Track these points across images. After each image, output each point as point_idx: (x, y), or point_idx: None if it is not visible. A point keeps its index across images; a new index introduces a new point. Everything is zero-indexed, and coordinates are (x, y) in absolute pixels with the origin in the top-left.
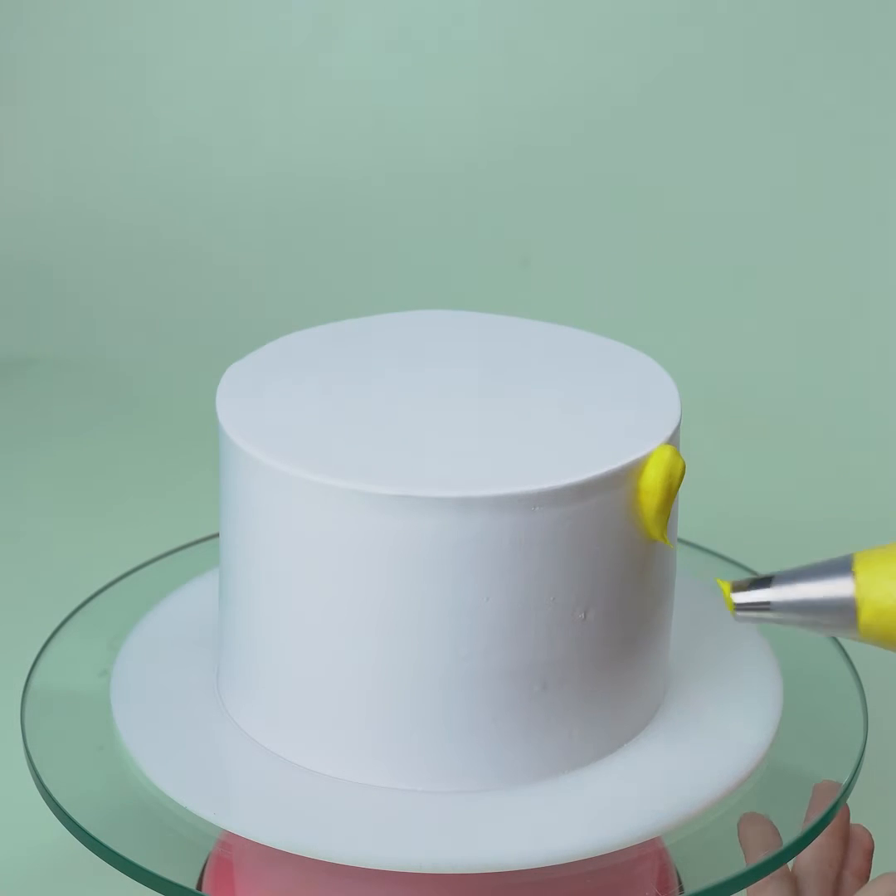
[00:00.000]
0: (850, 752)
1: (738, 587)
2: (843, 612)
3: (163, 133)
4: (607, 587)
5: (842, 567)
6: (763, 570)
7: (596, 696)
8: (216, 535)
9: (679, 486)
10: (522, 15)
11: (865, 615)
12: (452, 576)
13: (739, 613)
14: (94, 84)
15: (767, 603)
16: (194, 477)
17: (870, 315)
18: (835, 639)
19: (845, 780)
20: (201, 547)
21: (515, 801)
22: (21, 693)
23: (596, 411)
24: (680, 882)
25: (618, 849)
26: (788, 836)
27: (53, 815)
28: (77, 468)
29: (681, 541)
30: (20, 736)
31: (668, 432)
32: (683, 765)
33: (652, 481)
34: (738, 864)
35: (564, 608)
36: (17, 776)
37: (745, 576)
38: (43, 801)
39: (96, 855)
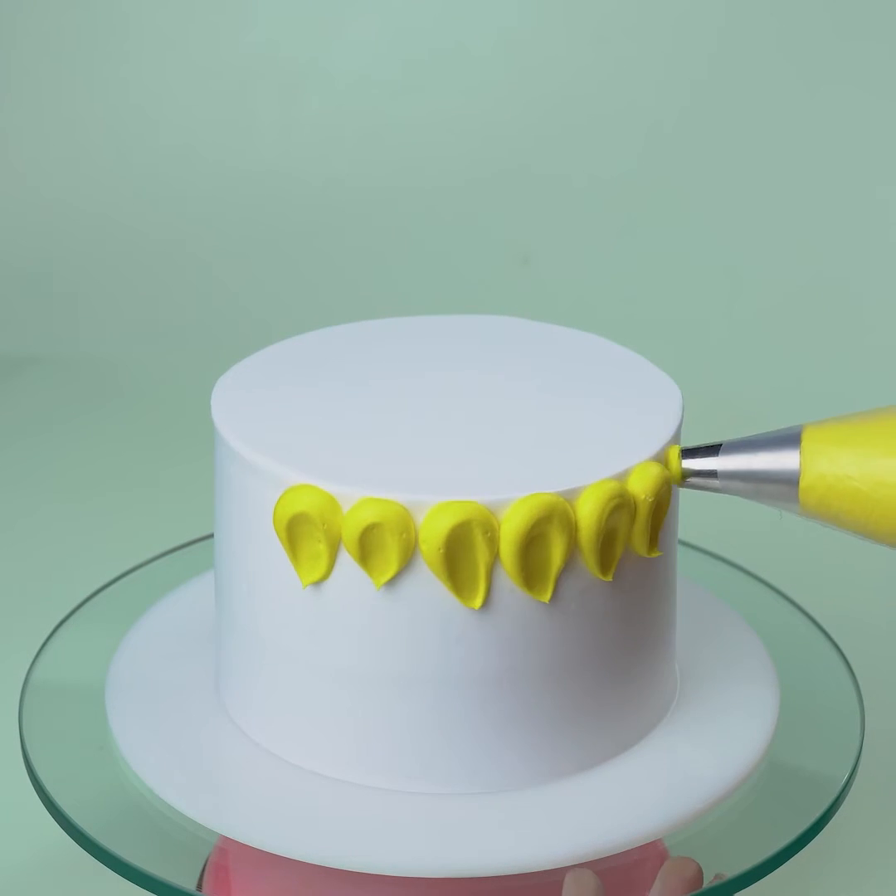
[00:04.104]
0: (848, 752)
1: (686, 454)
2: (786, 482)
3: (162, 135)
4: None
5: (790, 437)
6: (765, 573)
7: (596, 702)
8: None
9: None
10: (524, 14)
11: (805, 482)
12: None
13: (687, 480)
14: (93, 85)
15: (714, 471)
16: (193, 477)
17: (872, 315)
18: (835, 644)
19: (843, 779)
20: (200, 546)
21: (515, 805)
22: (20, 692)
23: (594, 421)
24: None
25: (618, 852)
26: (788, 836)
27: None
28: (76, 468)
29: (682, 543)
30: (18, 736)
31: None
32: (682, 767)
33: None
34: (738, 865)
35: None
36: (16, 777)
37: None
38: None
39: (94, 857)
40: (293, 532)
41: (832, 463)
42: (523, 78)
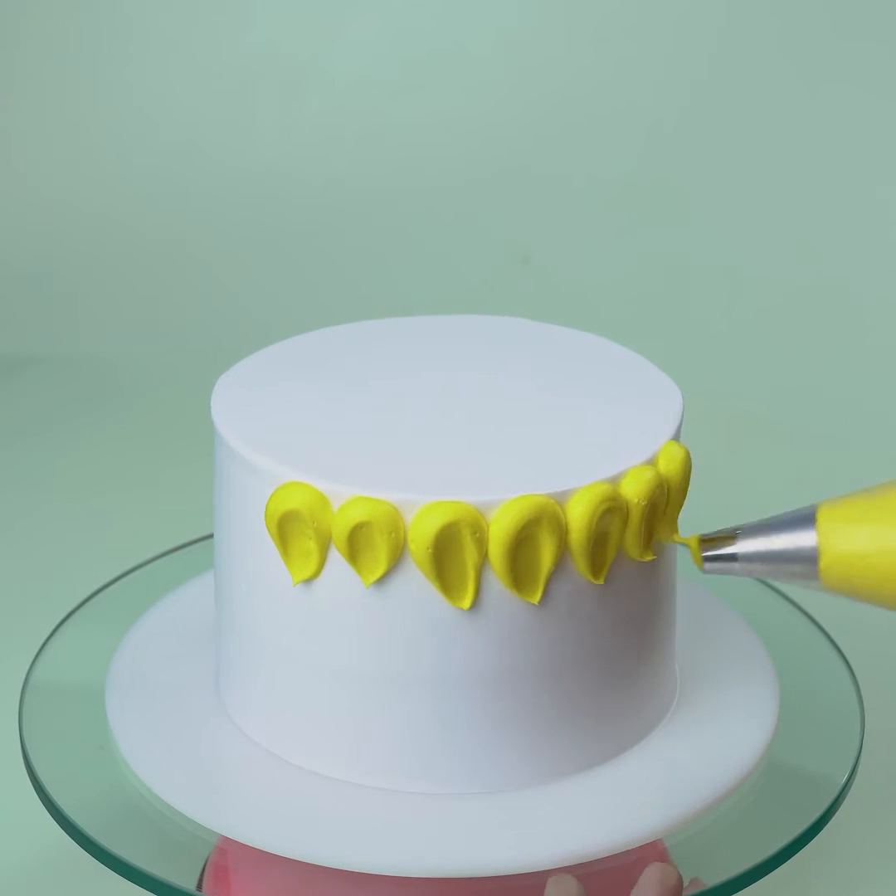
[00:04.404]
0: (847, 752)
1: (705, 541)
2: (805, 562)
3: (162, 135)
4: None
5: (805, 518)
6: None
7: (593, 703)
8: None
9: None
10: (524, 14)
11: (825, 562)
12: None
13: (707, 566)
14: (93, 85)
15: (734, 555)
16: (193, 477)
17: (873, 316)
18: (834, 644)
19: (843, 779)
20: (200, 546)
21: (514, 805)
22: (20, 693)
23: (593, 422)
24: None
25: (618, 852)
26: (788, 835)
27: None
28: (76, 468)
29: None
30: (18, 736)
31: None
32: (682, 768)
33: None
34: (738, 865)
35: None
36: (16, 777)
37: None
38: (41, 802)
39: (94, 857)
40: (284, 529)
41: (849, 541)
42: (523, 78)
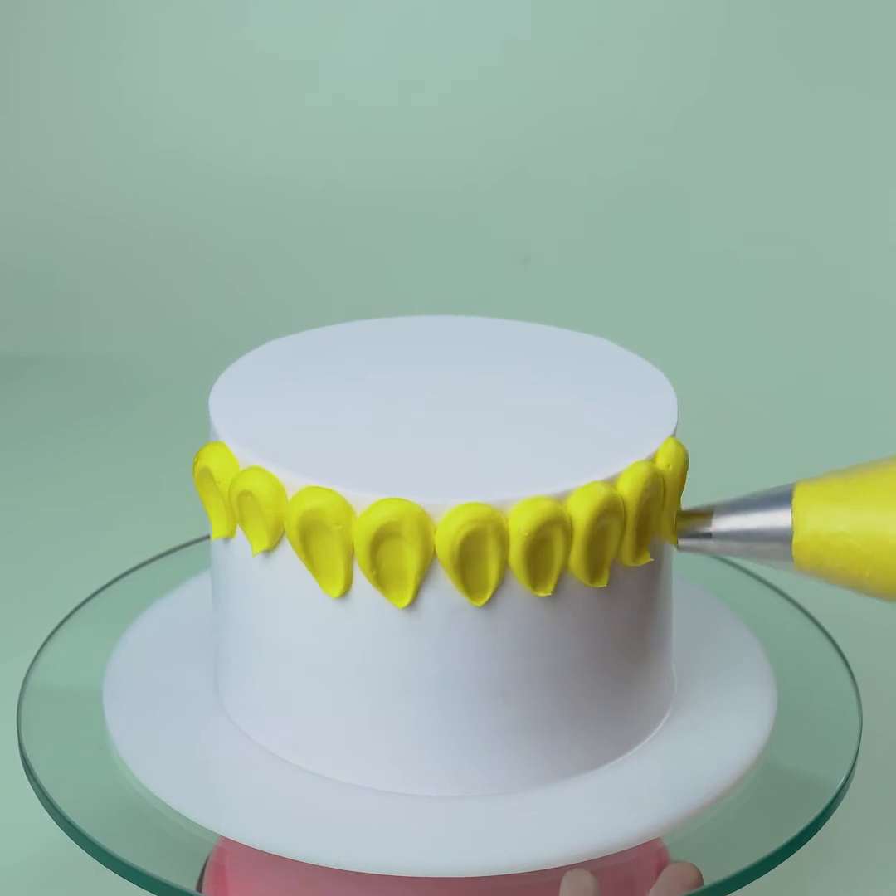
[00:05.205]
0: (845, 753)
1: (680, 517)
2: (779, 540)
3: (162, 136)
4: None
5: (782, 496)
6: (765, 573)
7: (594, 705)
8: None
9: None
10: (524, 15)
11: (798, 538)
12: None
13: (682, 542)
14: (92, 85)
15: (709, 532)
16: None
17: (870, 315)
18: (834, 644)
19: (840, 780)
20: (200, 546)
21: (514, 805)
22: (19, 693)
23: (589, 422)
24: None
25: (617, 851)
26: (785, 835)
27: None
28: (77, 469)
29: None
30: (17, 738)
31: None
32: (680, 768)
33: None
34: (735, 865)
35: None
36: (15, 778)
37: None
38: (40, 803)
39: (94, 858)
40: (202, 486)
41: (824, 520)
42: (523, 79)
